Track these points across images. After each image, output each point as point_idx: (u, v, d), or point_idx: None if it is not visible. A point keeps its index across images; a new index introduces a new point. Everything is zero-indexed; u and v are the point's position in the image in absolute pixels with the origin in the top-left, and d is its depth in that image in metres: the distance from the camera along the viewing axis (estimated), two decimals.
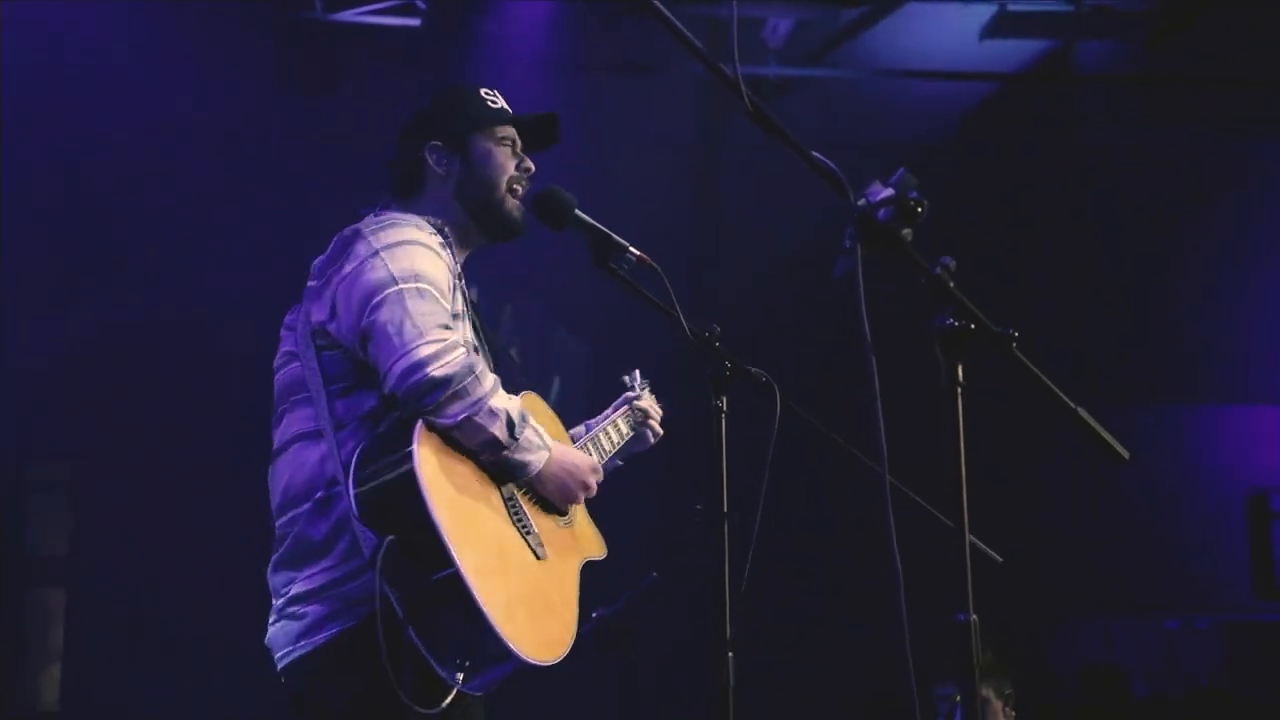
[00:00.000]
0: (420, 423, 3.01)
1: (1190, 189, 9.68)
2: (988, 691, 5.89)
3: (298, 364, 3.22)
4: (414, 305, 3.05)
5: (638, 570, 5.02)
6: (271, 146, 8.01)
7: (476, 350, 3.30)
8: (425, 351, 2.99)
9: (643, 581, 5.12)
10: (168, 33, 7.84)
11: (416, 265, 3.12)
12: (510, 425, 3.09)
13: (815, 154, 2.49)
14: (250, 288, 7.69)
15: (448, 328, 3.07)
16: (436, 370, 2.98)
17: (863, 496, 4.59)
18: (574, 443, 3.67)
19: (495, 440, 3.07)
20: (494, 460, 3.12)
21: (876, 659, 7.74)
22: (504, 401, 3.10)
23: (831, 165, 2.48)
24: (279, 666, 3.16)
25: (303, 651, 3.08)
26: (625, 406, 3.90)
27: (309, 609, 3.08)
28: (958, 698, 5.81)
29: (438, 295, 3.11)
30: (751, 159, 8.67)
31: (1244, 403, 9.86)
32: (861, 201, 2.44)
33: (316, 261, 3.29)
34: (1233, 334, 9.81)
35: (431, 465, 2.98)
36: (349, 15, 7.94)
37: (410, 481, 2.94)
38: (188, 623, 7.85)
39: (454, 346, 3.03)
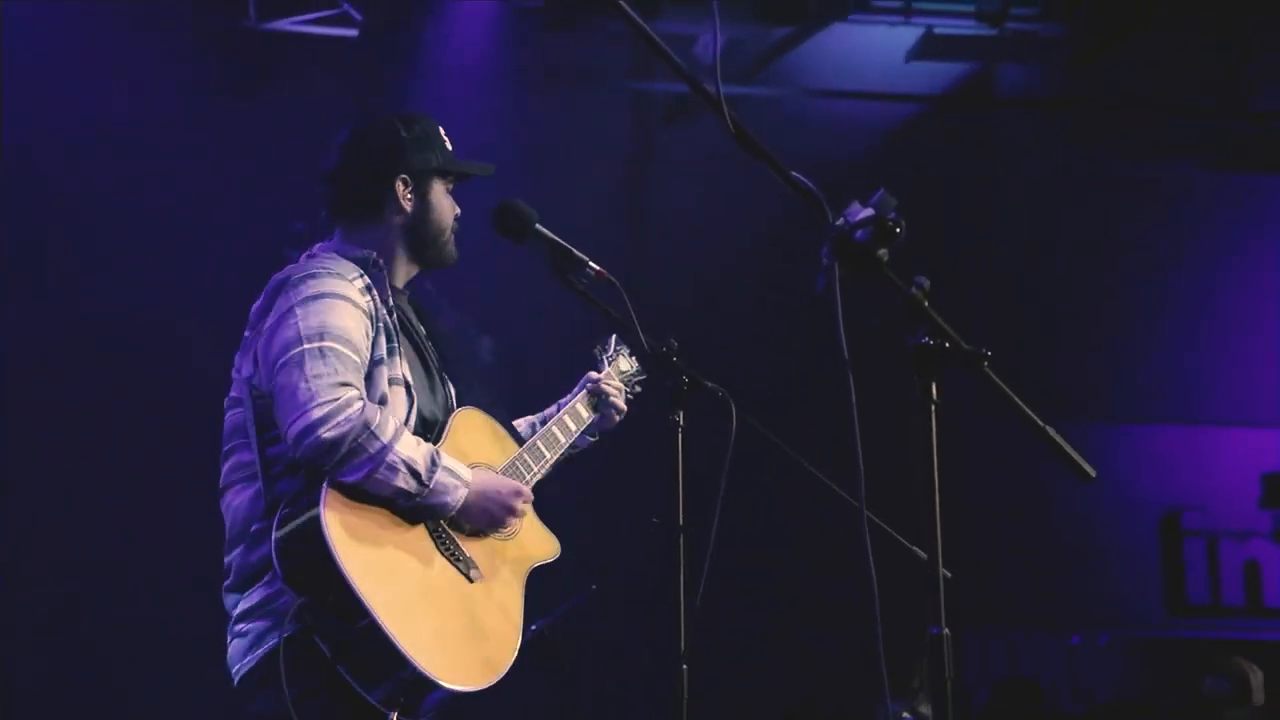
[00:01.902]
0: (327, 482, 3.07)
1: (1106, 210, 9.84)
2: (926, 707, 5.93)
3: (240, 410, 3.31)
4: (311, 367, 3.11)
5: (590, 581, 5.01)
6: (206, 154, 7.94)
7: (409, 386, 3.33)
8: (316, 414, 3.05)
9: (580, 593, 5.09)
10: (100, 37, 7.76)
11: (326, 321, 3.18)
12: (416, 474, 3.14)
13: (795, 174, 2.51)
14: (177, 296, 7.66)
15: (345, 384, 3.11)
16: (327, 433, 3.04)
17: (819, 511, 4.64)
18: (533, 431, 3.71)
19: (403, 491, 3.13)
20: (409, 507, 3.18)
21: (832, 672, 7.77)
22: (409, 450, 3.14)
23: (811, 185, 2.51)
24: (235, 682, 3.27)
25: (250, 665, 3.20)
26: (585, 389, 3.82)
27: (251, 625, 3.20)
28: (905, 714, 5.85)
29: (345, 350, 3.16)
30: (687, 171, 8.72)
31: (1160, 423, 10.02)
32: (840, 221, 2.47)
33: (253, 308, 3.35)
34: (1150, 354, 9.97)
35: (337, 523, 3.05)
36: (283, 24, 7.89)
37: (318, 543, 3.02)
38: (108, 625, 7.77)
39: (346, 405, 3.08)
